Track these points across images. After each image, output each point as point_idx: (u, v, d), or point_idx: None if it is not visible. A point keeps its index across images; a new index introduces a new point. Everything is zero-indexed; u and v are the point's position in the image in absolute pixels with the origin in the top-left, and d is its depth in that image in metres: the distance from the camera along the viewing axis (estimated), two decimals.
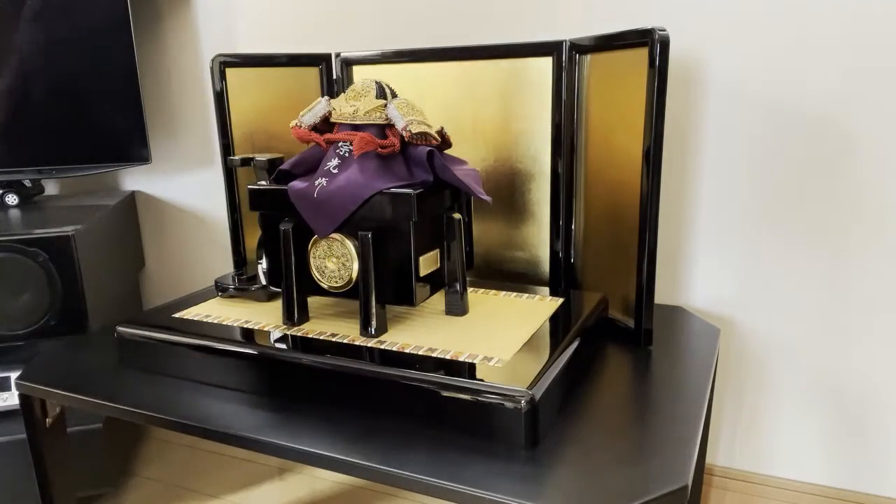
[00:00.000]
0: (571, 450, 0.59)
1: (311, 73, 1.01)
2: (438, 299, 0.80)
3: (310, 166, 0.76)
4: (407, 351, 0.68)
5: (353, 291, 0.73)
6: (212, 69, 0.94)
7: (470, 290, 0.85)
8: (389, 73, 0.97)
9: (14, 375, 1.08)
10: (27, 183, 1.25)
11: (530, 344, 0.69)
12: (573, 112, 0.87)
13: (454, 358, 0.66)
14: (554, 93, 0.88)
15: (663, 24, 0.93)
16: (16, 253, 1.01)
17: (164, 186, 1.36)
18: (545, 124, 0.90)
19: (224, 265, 1.34)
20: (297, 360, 0.69)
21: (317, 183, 0.71)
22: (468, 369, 0.64)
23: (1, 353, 1.12)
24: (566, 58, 0.86)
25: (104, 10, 1.13)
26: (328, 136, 0.74)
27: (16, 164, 1.18)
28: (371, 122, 0.73)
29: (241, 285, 0.86)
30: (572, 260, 0.92)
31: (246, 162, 0.83)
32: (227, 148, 0.97)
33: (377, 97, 0.73)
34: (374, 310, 0.71)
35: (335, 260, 0.73)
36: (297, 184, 0.73)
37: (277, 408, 0.68)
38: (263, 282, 0.85)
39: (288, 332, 0.74)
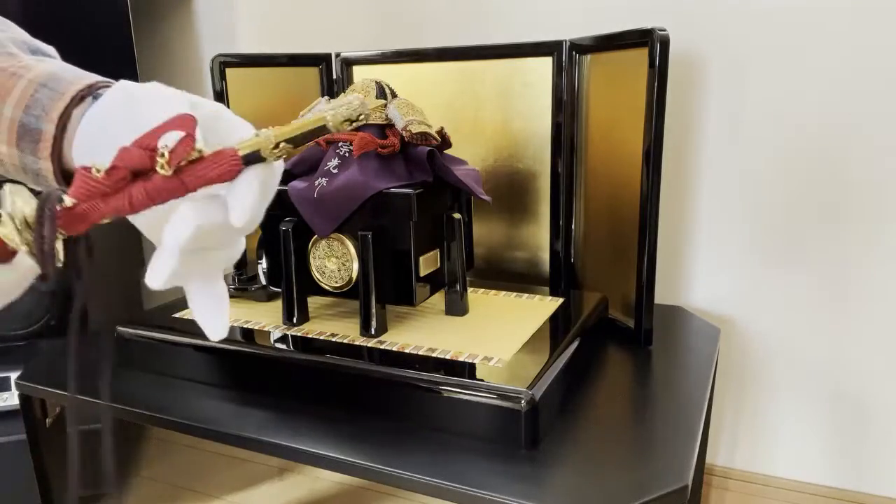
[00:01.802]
0: (571, 450, 0.59)
1: (311, 73, 1.01)
2: (438, 299, 0.80)
3: (310, 166, 0.76)
4: (407, 351, 0.68)
5: (353, 291, 0.73)
6: (212, 69, 0.94)
7: (470, 290, 0.85)
8: (389, 73, 0.97)
9: (14, 375, 1.08)
10: None
11: (530, 344, 0.69)
12: (573, 112, 0.87)
13: (454, 358, 0.66)
14: (554, 93, 0.88)
15: (664, 23, 0.93)
16: None
17: None
18: (545, 124, 0.90)
19: None
20: (297, 360, 0.69)
21: (317, 183, 0.71)
22: (468, 369, 0.64)
23: (1, 353, 1.12)
24: (566, 58, 0.86)
25: (104, 10, 1.13)
26: (328, 136, 0.74)
27: None
28: (371, 122, 0.72)
29: (241, 285, 0.86)
30: (572, 260, 0.92)
31: None
32: None
33: (377, 97, 0.73)
34: (374, 310, 0.71)
35: (335, 260, 0.73)
36: (297, 184, 0.73)
37: (277, 408, 0.68)
38: (263, 282, 0.85)
39: (288, 332, 0.74)
